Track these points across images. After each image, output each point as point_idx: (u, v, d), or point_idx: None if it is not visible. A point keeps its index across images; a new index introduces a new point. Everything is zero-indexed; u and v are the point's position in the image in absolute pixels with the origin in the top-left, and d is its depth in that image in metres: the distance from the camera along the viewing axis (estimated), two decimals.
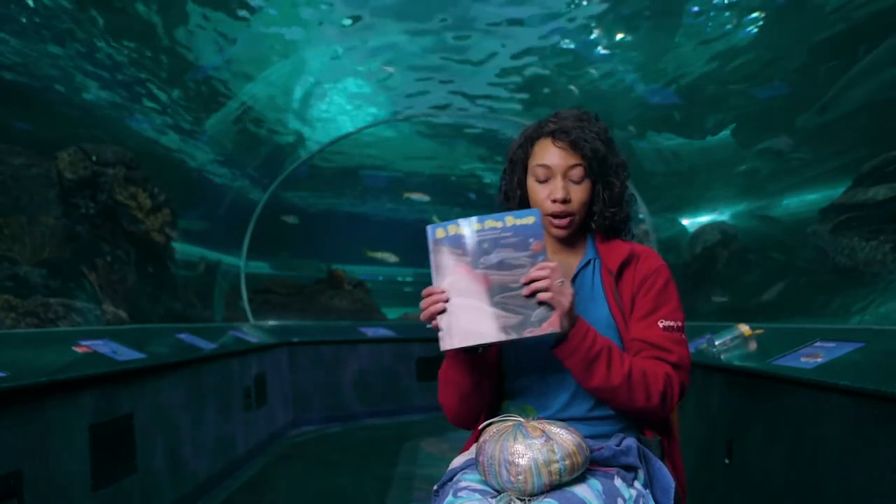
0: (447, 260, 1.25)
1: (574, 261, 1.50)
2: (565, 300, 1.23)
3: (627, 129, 4.73)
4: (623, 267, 1.45)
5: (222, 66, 4.37)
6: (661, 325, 1.39)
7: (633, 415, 1.38)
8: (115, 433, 2.66)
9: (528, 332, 1.21)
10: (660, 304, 1.41)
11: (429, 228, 1.26)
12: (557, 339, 1.29)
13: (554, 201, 1.41)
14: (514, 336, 1.21)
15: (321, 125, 5.86)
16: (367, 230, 7.72)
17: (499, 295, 1.23)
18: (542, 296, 1.22)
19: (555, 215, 1.42)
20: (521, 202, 1.51)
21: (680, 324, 1.42)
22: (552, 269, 1.23)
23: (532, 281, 1.22)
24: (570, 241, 1.51)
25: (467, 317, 1.22)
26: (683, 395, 1.40)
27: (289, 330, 6.08)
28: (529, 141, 1.47)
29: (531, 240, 1.25)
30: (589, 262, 1.48)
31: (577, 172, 1.41)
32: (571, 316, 1.26)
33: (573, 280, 1.47)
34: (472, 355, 1.37)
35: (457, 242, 1.25)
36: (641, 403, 1.32)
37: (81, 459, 2.41)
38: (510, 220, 1.25)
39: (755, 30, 3.54)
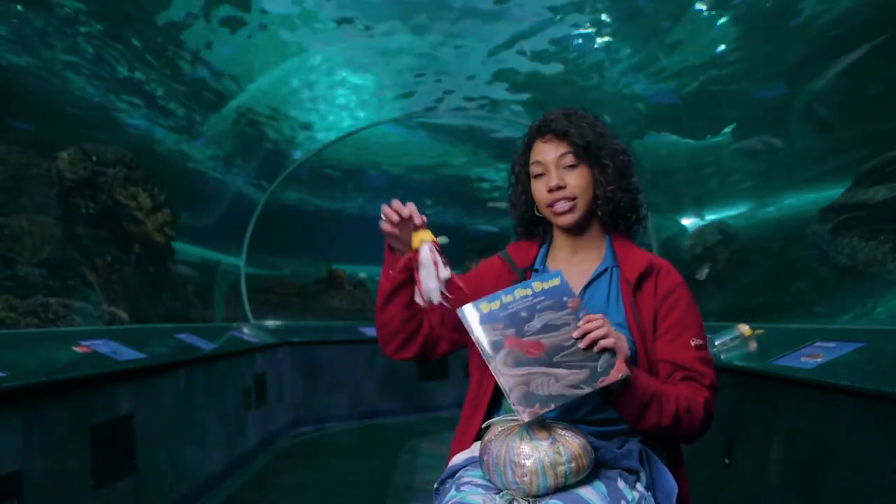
0: (492, 336, 1.22)
1: (590, 265, 1.50)
2: (624, 344, 1.23)
3: (627, 128, 4.73)
4: (642, 278, 1.45)
5: (223, 65, 4.37)
6: (693, 343, 1.40)
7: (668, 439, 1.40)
8: (115, 433, 2.66)
9: (601, 383, 1.20)
10: (689, 322, 1.43)
11: (461, 312, 1.25)
12: (613, 391, 1.27)
13: (550, 191, 1.44)
14: (588, 389, 1.19)
15: (321, 125, 5.86)
16: (367, 230, 7.71)
17: (557, 355, 1.21)
18: (604, 342, 1.21)
19: (555, 203, 1.45)
20: (527, 207, 1.53)
21: (706, 342, 1.44)
22: (602, 319, 1.23)
23: (586, 334, 1.21)
24: (586, 242, 1.51)
25: (537, 382, 1.19)
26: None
27: (289, 330, 6.08)
28: (526, 147, 1.51)
29: (565, 298, 1.25)
30: (606, 269, 1.48)
31: (568, 159, 1.44)
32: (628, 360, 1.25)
33: (587, 286, 1.47)
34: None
35: (494, 318, 1.23)
36: (684, 433, 1.36)
37: (81, 459, 2.41)
38: (537, 285, 1.26)
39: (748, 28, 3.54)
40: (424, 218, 1.37)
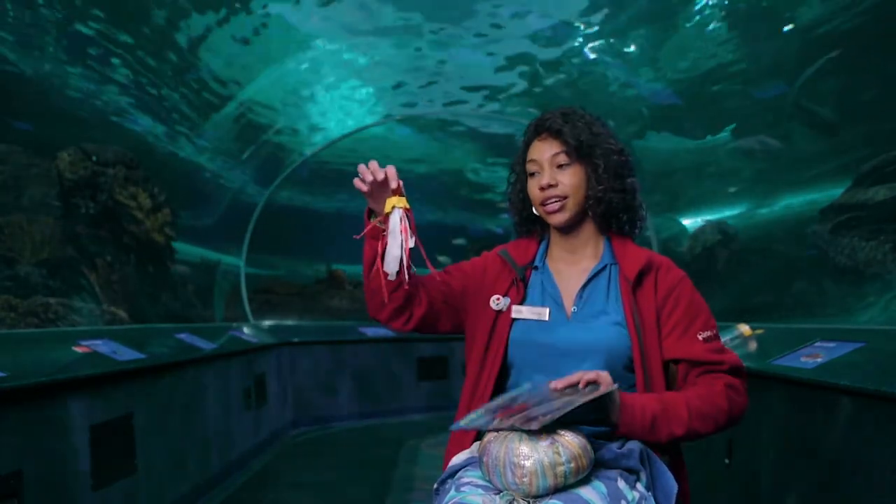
0: (484, 420, 1.26)
1: (588, 264, 1.50)
2: (606, 375, 1.26)
3: (627, 128, 4.73)
4: (642, 276, 1.44)
5: (224, 65, 4.37)
6: (700, 337, 1.40)
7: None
8: (115, 433, 2.66)
9: (595, 394, 1.21)
10: (693, 316, 1.42)
11: (453, 429, 1.33)
12: (613, 427, 1.31)
13: (542, 189, 1.45)
14: (582, 400, 1.20)
15: (322, 125, 5.86)
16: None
17: (543, 400, 1.24)
18: (586, 377, 1.24)
19: (546, 201, 1.45)
20: (525, 206, 1.54)
21: (716, 331, 1.43)
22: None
23: (567, 385, 1.24)
24: (582, 241, 1.51)
25: (540, 409, 1.23)
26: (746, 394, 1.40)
27: (289, 330, 6.08)
28: (524, 146, 1.53)
29: (526, 384, 1.31)
30: (605, 266, 1.48)
31: (561, 158, 1.45)
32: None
33: (585, 285, 1.47)
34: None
35: (479, 422, 1.28)
36: (712, 431, 1.36)
37: (81, 459, 2.41)
38: (509, 394, 1.32)
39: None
40: (400, 182, 1.36)
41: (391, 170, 1.37)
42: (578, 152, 1.44)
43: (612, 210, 1.47)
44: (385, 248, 1.35)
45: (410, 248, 1.34)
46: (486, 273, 1.55)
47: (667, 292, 1.43)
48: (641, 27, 4.08)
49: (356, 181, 1.37)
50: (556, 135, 1.45)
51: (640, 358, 1.39)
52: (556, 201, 1.45)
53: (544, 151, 1.46)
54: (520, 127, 5.88)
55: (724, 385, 1.37)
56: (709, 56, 3.86)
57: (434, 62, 4.98)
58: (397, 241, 1.33)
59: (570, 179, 1.44)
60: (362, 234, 1.41)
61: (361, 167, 1.37)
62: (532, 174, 1.48)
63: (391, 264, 1.33)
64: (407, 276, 1.37)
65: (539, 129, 1.49)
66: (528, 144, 1.52)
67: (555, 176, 1.45)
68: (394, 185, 1.36)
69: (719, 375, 1.38)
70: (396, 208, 1.34)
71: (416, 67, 5.10)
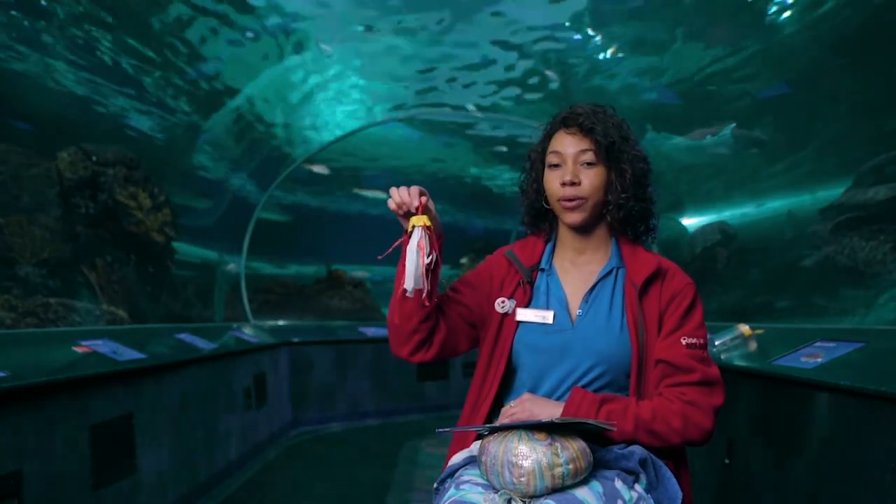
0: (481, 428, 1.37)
1: (596, 266, 1.48)
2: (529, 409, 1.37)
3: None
4: (649, 282, 1.42)
5: (224, 65, 4.37)
6: (683, 342, 1.38)
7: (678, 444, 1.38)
8: (115, 433, 2.66)
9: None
10: (684, 321, 1.40)
11: (440, 432, 1.43)
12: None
13: (563, 185, 1.41)
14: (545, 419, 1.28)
15: (322, 124, 5.86)
16: (367, 230, 7.73)
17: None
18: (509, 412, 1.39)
19: (565, 199, 1.42)
20: (537, 197, 1.52)
21: (703, 341, 1.40)
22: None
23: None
24: (593, 243, 1.49)
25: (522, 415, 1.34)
26: (716, 413, 1.37)
27: (289, 330, 6.07)
28: (546, 136, 1.49)
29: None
30: (612, 270, 1.46)
31: (588, 156, 1.41)
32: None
33: (593, 288, 1.45)
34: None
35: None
36: (661, 446, 1.34)
37: (81, 459, 2.41)
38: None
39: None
40: (419, 203, 1.36)
41: (414, 190, 1.37)
42: (607, 154, 1.41)
43: (630, 217, 1.46)
44: (403, 266, 1.36)
45: (431, 266, 1.35)
46: (492, 278, 1.54)
47: (670, 297, 1.42)
48: (642, 26, 4.07)
49: (388, 202, 1.39)
50: (588, 132, 1.41)
51: (637, 364, 1.38)
52: (574, 200, 1.42)
53: (570, 145, 1.42)
54: (519, 126, 5.90)
55: (684, 404, 1.34)
56: (709, 55, 3.86)
57: (435, 63, 4.98)
58: (412, 258, 1.34)
59: (592, 180, 1.41)
60: (386, 253, 1.41)
61: (392, 190, 1.38)
62: (553, 166, 1.44)
63: (408, 281, 1.34)
64: (426, 297, 1.37)
65: (568, 122, 1.44)
66: (550, 134, 1.47)
67: (578, 174, 1.41)
68: (415, 203, 1.36)
69: (684, 390, 1.35)
70: (416, 227, 1.36)
71: (417, 68, 5.10)
